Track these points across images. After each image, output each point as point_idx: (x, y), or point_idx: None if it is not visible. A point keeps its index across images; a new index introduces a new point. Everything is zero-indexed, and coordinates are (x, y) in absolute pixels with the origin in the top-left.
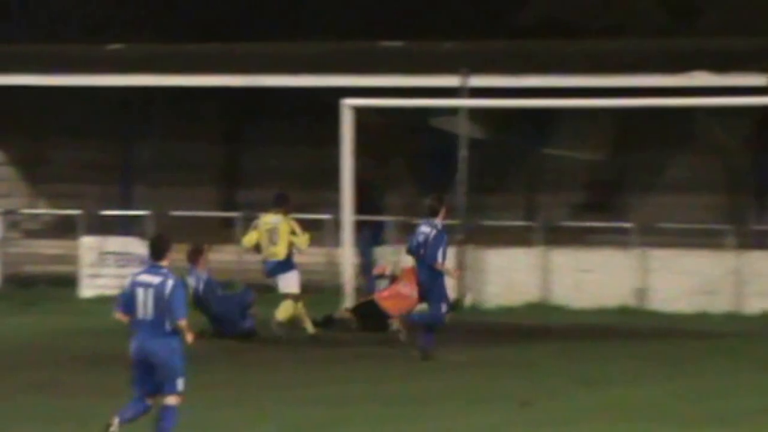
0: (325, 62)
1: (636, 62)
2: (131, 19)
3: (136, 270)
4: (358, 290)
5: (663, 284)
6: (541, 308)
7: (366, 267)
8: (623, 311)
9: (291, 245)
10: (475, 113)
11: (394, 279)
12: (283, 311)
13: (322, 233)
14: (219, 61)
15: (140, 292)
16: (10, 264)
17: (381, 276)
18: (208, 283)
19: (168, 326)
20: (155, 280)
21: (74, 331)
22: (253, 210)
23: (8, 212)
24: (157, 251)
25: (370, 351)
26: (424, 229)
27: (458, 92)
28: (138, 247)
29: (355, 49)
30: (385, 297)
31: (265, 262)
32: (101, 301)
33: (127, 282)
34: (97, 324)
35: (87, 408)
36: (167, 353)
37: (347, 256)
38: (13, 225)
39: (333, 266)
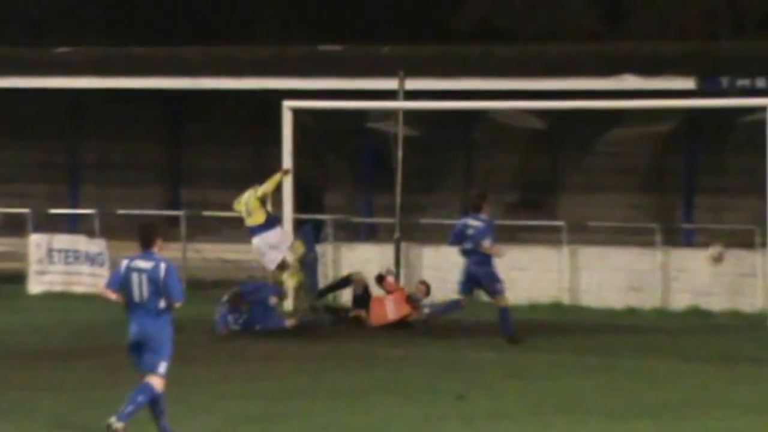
0: (267, 65)
1: (567, 66)
2: (78, 22)
3: (128, 256)
4: (300, 286)
5: (593, 281)
6: (475, 305)
7: (307, 262)
8: (555, 307)
9: (265, 208)
10: (411, 115)
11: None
12: (291, 278)
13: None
14: (163, 64)
15: (135, 277)
16: None
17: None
18: (223, 316)
19: (161, 305)
20: (148, 265)
21: (22, 326)
22: (195, 208)
23: None
24: (146, 239)
25: (312, 346)
26: (473, 223)
27: (395, 95)
28: (85, 244)
29: (296, 52)
30: (378, 301)
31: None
32: (49, 297)
33: (121, 265)
34: (44, 319)
35: (31, 402)
36: (159, 335)
37: (287, 253)
38: None
39: None
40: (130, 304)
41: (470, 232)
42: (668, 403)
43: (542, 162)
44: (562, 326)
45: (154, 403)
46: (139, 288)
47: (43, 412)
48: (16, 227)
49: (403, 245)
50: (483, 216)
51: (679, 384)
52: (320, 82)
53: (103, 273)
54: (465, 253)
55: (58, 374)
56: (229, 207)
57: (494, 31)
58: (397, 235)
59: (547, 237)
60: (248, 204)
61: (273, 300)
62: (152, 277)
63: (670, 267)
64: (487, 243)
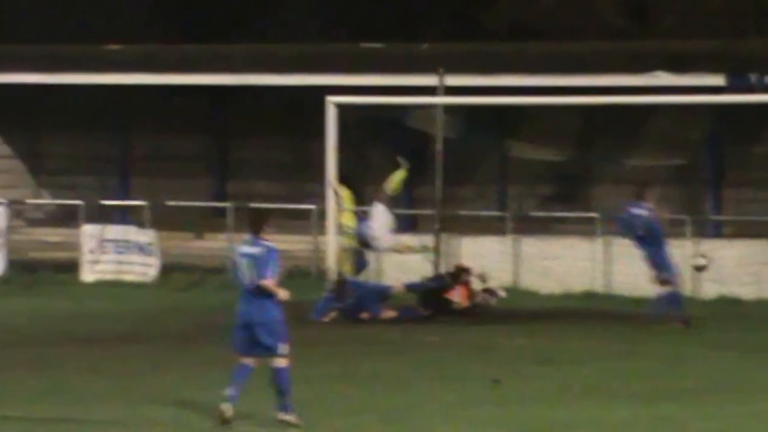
0: (311, 62)
1: (600, 63)
2: (127, 20)
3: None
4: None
5: (625, 270)
6: (511, 293)
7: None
8: (588, 296)
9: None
10: (449, 111)
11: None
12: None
13: (307, 222)
14: (210, 61)
15: (243, 262)
16: (15, 250)
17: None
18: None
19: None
20: (255, 250)
21: (75, 313)
22: (241, 200)
23: (14, 202)
24: (255, 225)
25: (350, 332)
26: (639, 212)
27: (435, 91)
28: (135, 234)
29: (338, 50)
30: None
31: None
32: (101, 286)
33: (234, 254)
34: (96, 306)
35: (83, 385)
36: (267, 319)
37: (331, 243)
38: (18, 214)
39: (318, 253)
40: (240, 288)
41: (638, 222)
42: (693, 387)
43: (576, 156)
44: (594, 314)
45: (240, 375)
46: (246, 273)
47: (93, 395)
48: (69, 218)
49: (443, 236)
50: (645, 204)
51: (704, 369)
52: (362, 79)
53: (153, 262)
54: (638, 240)
55: (109, 359)
56: (273, 199)
57: (525, 29)
58: (437, 226)
59: (581, 228)
60: (345, 224)
61: (396, 288)
62: (256, 261)
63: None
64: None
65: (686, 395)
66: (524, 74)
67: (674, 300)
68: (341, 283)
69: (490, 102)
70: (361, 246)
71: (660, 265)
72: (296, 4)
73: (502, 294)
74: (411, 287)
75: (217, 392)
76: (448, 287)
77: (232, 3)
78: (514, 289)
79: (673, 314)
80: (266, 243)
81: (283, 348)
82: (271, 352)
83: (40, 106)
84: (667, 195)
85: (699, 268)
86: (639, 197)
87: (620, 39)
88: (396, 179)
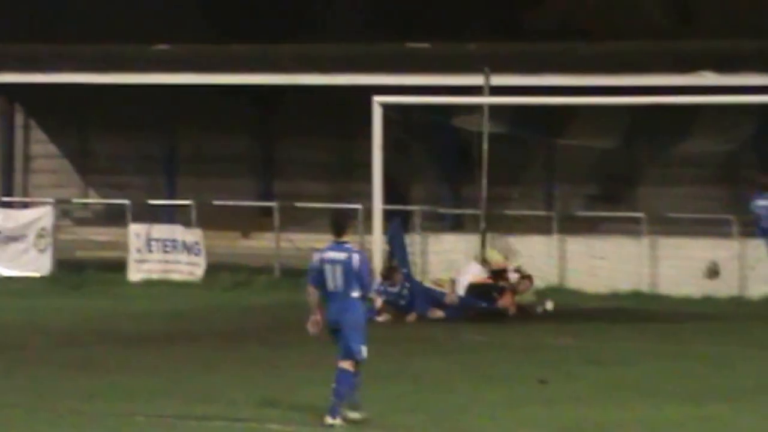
0: (357, 62)
1: (646, 62)
2: (175, 20)
3: (320, 250)
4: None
5: (671, 270)
6: (557, 292)
7: (397, 253)
8: (634, 295)
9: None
10: (495, 110)
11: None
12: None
13: (353, 222)
14: (257, 61)
15: (329, 268)
16: (62, 250)
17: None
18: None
19: (355, 294)
20: (341, 256)
21: (122, 312)
22: (288, 199)
23: (61, 201)
24: (338, 229)
25: (398, 331)
26: (763, 203)
27: (481, 90)
28: (182, 234)
29: (384, 49)
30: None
31: None
32: (148, 285)
33: (315, 258)
34: (143, 305)
35: (128, 384)
36: (353, 322)
37: (377, 242)
38: (65, 213)
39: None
40: (325, 293)
41: (763, 212)
42: (742, 387)
43: (622, 156)
44: (641, 313)
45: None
46: (333, 278)
47: (142, 393)
48: (116, 218)
49: (489, 235)
50: None
51: (752, 370)
52: (408, 78)
53: (199, 261)
54: (763, 233)
55: (155, 358)
56: (319, 198)
57: (571, 29)
58: (482, 225)
59: (627, 228)
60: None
61: (450, 299)
62: (346, 268)
63: (746, 256)
64: None
65: (734, 395)
66: (570, 74)
67: None
68: (393, 270)
69: (535, 102)
70: None
71: None
72: (342, 4)
73: (550, 306)
74: (463, 303)
75: (262, 391)
76: (498, 306)
77: (278, 3)
78: (561, 288)
79: None
80: (352, 248)
81: (364, 350)
82: (352, 354)
83: (87, 105)
84: (713, 195)
85: (712, 273)
86: (765, 188)
87: (666, 39)
88: (495, 258)
